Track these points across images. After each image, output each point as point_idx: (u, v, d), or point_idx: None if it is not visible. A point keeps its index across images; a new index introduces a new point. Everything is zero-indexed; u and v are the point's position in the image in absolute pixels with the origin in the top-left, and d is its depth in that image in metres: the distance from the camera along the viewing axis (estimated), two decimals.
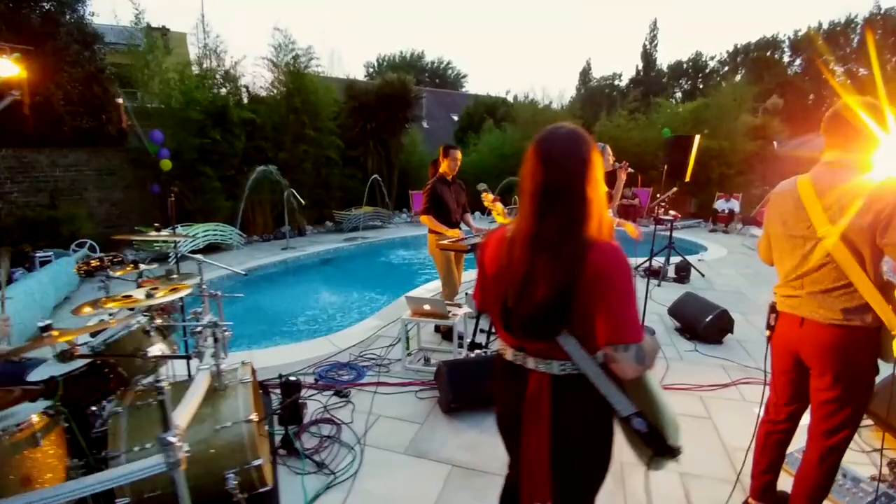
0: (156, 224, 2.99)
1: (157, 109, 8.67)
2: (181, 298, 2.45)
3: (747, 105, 11.25)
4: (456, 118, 19.50)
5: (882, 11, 24.67)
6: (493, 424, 2.76)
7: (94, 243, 7.43)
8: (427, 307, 3.50)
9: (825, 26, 27.42)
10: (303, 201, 8.81)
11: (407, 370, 3.56)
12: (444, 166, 4.03)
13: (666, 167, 5.72)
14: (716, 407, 3.06)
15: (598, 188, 1.18)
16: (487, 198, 3.29)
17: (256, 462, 1.96)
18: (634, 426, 1.18)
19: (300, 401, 2.81)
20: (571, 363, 1.20)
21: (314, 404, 3.04)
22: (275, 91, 10.04)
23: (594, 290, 1.12)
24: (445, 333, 4.15)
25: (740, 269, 7.14)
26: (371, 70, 31.24)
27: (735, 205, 10.42)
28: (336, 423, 2.83)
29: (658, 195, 5.73)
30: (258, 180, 9.00)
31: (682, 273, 6.29)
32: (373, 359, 3.78)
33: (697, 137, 5.84)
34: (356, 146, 11.71)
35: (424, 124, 13.55)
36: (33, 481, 1.66)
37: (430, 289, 5.82)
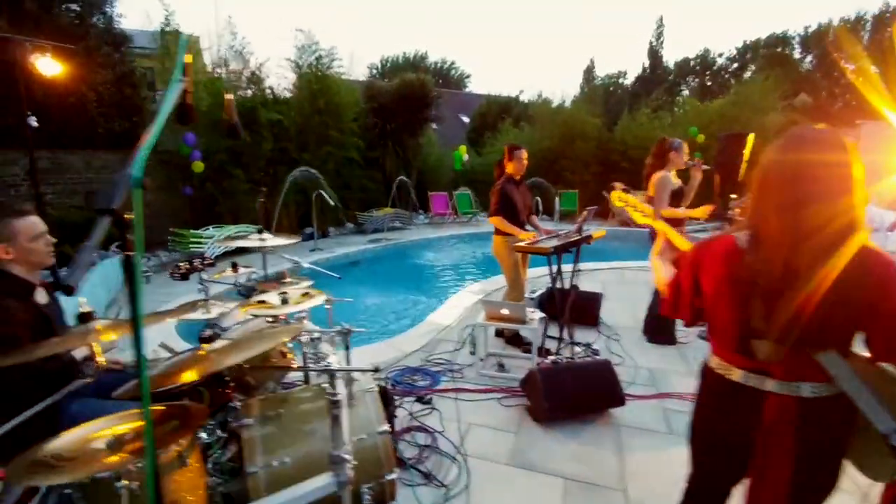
0: (259, 227, 2.90)
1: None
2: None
3: (776, 103, 11.14)
4: (465, 119, 19.42)
5: (891, 9, 24.58)
6: (595, 435, 2.74)
7: None
8: (505, 311, 3.42)
9: (835, 23, 27.30)
10: (332, 202, 8.72)
11: (481, 376, 3.48)
12: (510, 167, 3.95)
13: (717, 168, 5.63)
14: None
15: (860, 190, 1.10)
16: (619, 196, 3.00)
17: (391, 476, 1.88)
18: (893, 442, 1.09)
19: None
20: (827, 384, 1.12)
21: (399, 411, 2.96)
22: (298, 93, 9.96)
23: (872, 301, 1.04)
24: (510, 338, 4.06)
25: None
26: (374, 71, 31.15)
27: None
28: (430, 432, 2.75)
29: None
30: (294, 181, 8.97)
31: None
32: (442, 363, 3.69)
33: (751, 136, 5.74)
34: (375, 147, 11.67)
35: (434, 125, 13.46)
36: None
37: (476, 290, 5.74)
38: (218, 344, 1.49)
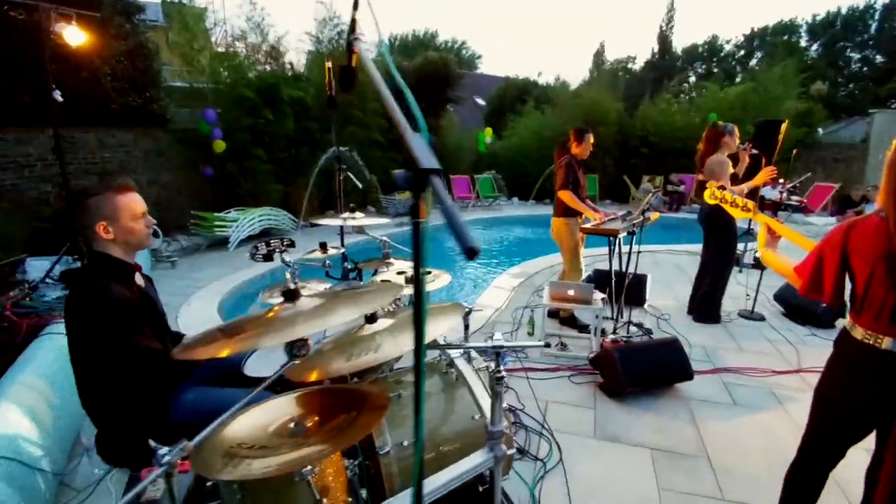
0: (351, 205, 2.90)
1: (192, 89, 8.41)
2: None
3: (793, 91, 11.14)
4: (480, 101, 19.24)
5: None
6: (667, 408, 2.84)
7: (156, 227, 7.32)
8: (571, 292, 3.49)
9: (843, 12, 27.12)
10: (360, 184, 8.66)
11: (545, 355, 3.56)
12: (577, 149, 3.94)
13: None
14: None
15: None
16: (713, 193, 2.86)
17: (511, 451, 1.94)
18: None
19: None
20: None
21: None
22: (320, 69, 9.81)
23: None
24: (565, 320, 4.13)
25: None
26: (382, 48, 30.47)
27: (776, 191, 10.39)
28: (513, 409, 2.83)
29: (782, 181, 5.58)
30: (330, 160, 8.86)
31: (758, 259, 6.29)
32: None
33: (786, 123, 5.78)
34: (392, 129, 11.56)
35: (450, 107, 13.37)
36: (329, 489, 1.61)
37: (517, 273, 5.81)
38: (380, 325, 1.49)
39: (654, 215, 3.97)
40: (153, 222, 1.76)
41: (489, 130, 12.16)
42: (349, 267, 2.41)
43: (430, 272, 2.03)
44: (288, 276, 1.92)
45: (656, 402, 2.94)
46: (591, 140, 3.99)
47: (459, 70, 12.45)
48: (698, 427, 2.70)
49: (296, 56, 10.10)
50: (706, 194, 2.22)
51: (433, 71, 11.44)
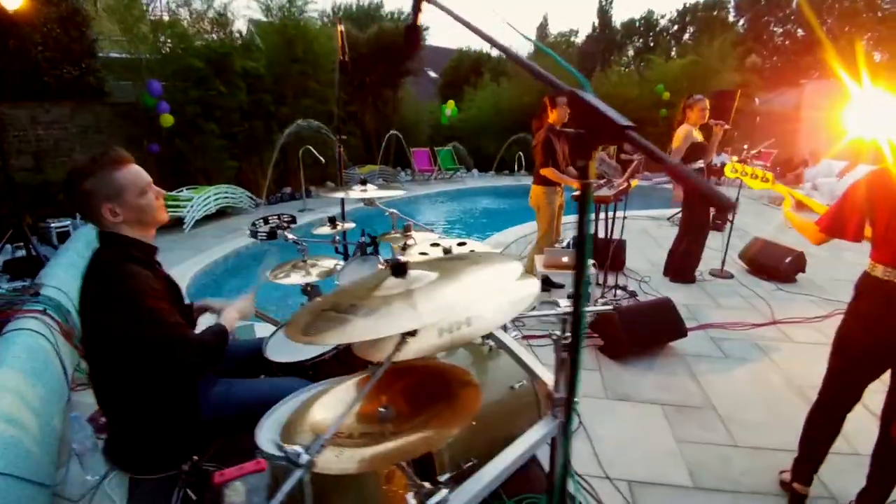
0: (361, 177, 2.71)
1: (134, 59, 7.60)
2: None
3: (731, 63, 11.74)
4: (432, 73, 18.82)
5: None
6: (666, 365, 2.99)
7: None
8: (565, 259, 3.54)
9: None
10: (323, 159, 8.28)
11: (542, 323, 3.61)
12: (554, 116, 3.94)
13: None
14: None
15: None
16: (734, 167, 2.83)
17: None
18: None
19: None
20: None
21: None
22: (272, 38, 9.16)
23: None
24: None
25: (754, 216, 7.67)
26: (326, 20, 29.05)
27: (726, 159, 11.05)
28: None
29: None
30: (294, 135, 8.38)
31: (718, 221, 6.67)
32: None
33: (738, 92, 6.10)
34: (352, 101, 11.10)
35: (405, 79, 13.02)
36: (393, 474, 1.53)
37: (493, 243, 5.83)
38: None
39: (634, 182, 4.09)
40: (163, 193, 1.55)
41: (451, 103, 11.96)
42: (366, 241, 2.28)
43: (464, 242, 1.96)
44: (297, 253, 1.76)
45: (655, 361, 3.08)
46: (566, 105, 3.99)
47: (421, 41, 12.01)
48: (699, 381, 2.85)
49: (244, 25, 9.30)
50: (727, 170, 2.28)
51: (389, 42, 11.01)
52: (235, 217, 8.02)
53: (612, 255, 4.31)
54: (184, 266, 5.31)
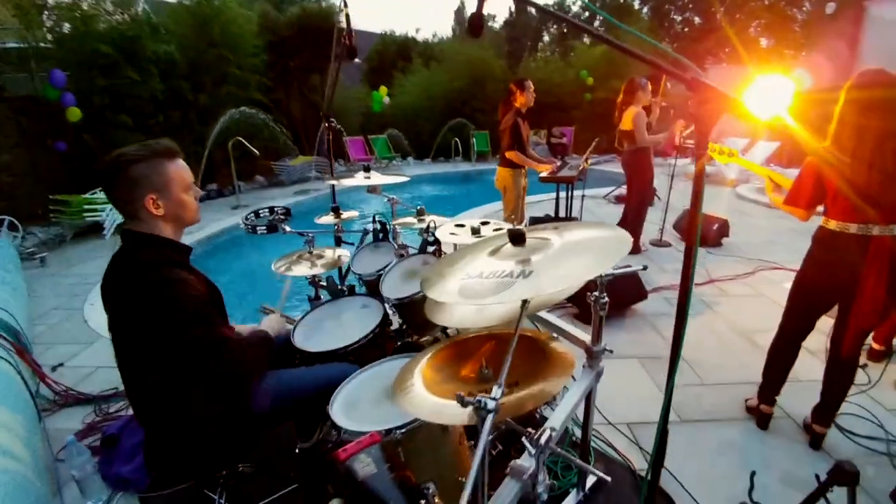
0: (366, 164, 2.63)
1: (31, 49, 6.66)
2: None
3: (647, 49, 12.69)
4: (356, 59, 18.32)
5: None
6: (634, 325, 3.40)
7: (13, 220, 5.83)
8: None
9: None
10: (256, 151, 7.82)
11: None
12: (521, 100, 4.12)
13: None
14: (762, 286, 3.99)
15: None
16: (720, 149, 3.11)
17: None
18: None
19: None
20: None
21: None
22: (185, 19, 8.40)
23: None
24: None
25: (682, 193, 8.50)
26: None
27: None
28: None
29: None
30: (228, 125, 7.78)
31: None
32: None
33: (664, 78, 6.70)
34: (276, 88, 10.54)
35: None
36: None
37: None
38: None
39: (585, 164, 4.43)
40: (201, 193, 1.50)
41: (384, 89, 11.76)
42: (377, 228, 2.29)
43: (487, 222, 2.06)
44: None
45: (624, 322, 3.42)
46: (533, 89, 4.19)
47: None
48: (662, 335, 3.23)
49: (153, 6, 8.41)
50: (714, 154, 2.55)
51: (313, 24, 10.54)
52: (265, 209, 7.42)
53: None
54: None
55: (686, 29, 27.63)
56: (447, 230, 2.01)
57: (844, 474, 1.53)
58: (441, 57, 13.00)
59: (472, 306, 1.40)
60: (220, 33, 8.46)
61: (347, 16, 2.13)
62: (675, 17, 29.46)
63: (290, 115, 10.80)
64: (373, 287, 2.19)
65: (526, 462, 0.95)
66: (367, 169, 2.45)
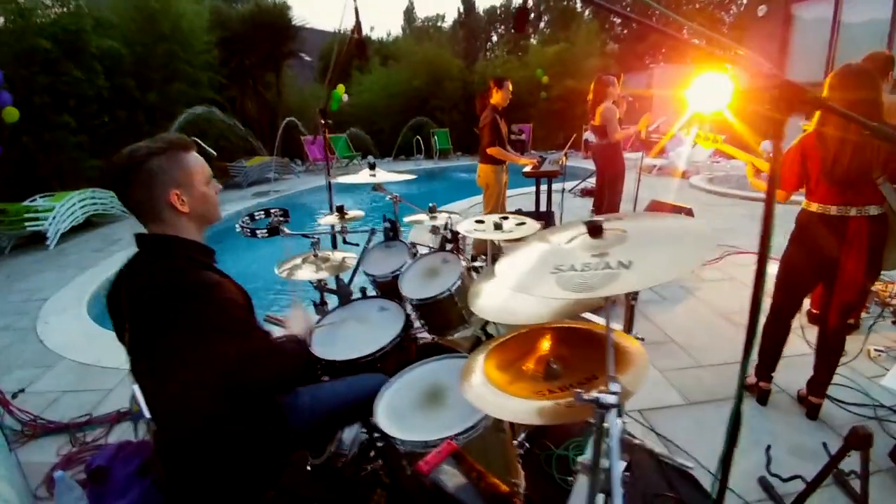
0: (370, 161, 2.50)
1: None
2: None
3: (596, 50, 13.22)
4: (305, 57, 17.77)
5: None
6: (616, 314, 3.39)
7: None
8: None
9: None
10: (214, 152, 7.40)
11: None
12: (498, 97, 4.13)
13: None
14: (731, 269, 4.23)
15: None
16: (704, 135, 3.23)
17: None
18: None
19: None
20: (879, 206, 1.94)
21: None
22: (131, 13, 7.82)
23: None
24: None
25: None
26: None
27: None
28: None
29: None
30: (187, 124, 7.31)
31: None
32: None
33: (621, 76, 6.95)
34: (229, 86, 10.06)
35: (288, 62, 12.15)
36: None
37: None
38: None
39: (563, 160, 4.53)
40: (220, 187, 1.37)
41: (342, 87, 11.45)
42: (387, 226, 2.21)
43: (507, 217, 2.04)
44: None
45: (613, 309, 3.51)
46: (510, 87, 4.22)
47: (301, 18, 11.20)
48: (653, 321, 3.34)
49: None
50: (700, 140, 2.64)
51: (268, 20, 10.15)
52: (110, 225, 6.87)
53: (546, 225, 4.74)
54: (73, 287, 4.47)
55: (625, 31, 29.03)
56: (468, 226, 1.97)
57: (860, 439, 1.63)
58: (399, 56, 12.88)
59: (530, 301, 1.38)
60: (170, 28, 7.95)
61: (356, 10, 2.03)
62: (614, 19, 30.92)
63: (244, 113, 10.34)
64: (386, 289, 2.11)
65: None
66: (372, 167, 2.35)
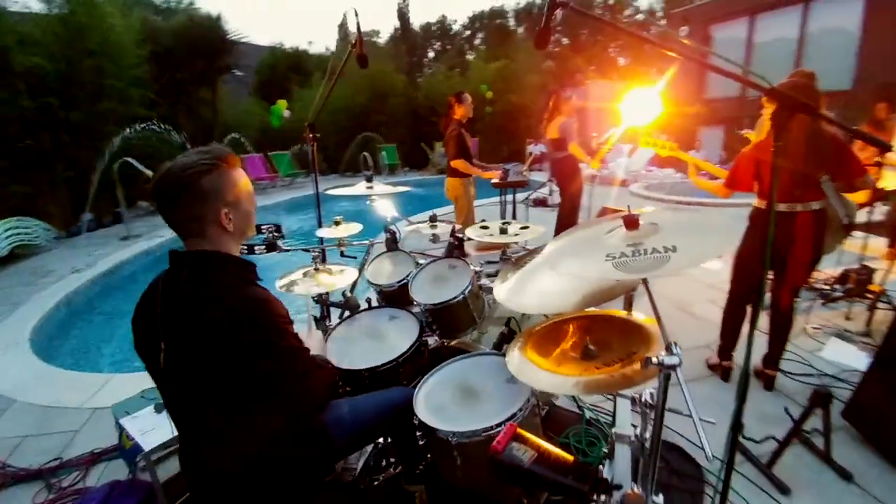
0: (368, 174, 2.48)
1: None
2: None
3: (538, 66, 13.94)
4: (237, 72, 17.20)
5: None
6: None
7: None
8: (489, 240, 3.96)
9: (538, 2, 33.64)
10: (149, 172, 6.95)
11: None
12: (460, 112, 4.29)
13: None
14: None
15: None
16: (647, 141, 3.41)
17: None
18: (845, 221, 2.30)
19: None
20: (821, 201, 2.26)
21: None
22: (56, 27, 7.23)
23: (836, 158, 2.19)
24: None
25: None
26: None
27: (542, 148, 13.07)
28: None
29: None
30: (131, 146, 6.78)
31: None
32: None
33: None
34: (162, 102, 9.53)
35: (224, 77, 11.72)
36: None
37: None
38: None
39: (528, 170, 4.79)
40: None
41: (283, 103, 11.20)
42: (388, 237, 2.26)
43: (528, 227, 2.16)
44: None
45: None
46: (470, 100, 4.39)
47: (236, 33, 10.86)
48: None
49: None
50: (641, 140, 2.91)
51: (201, 35, 9.77)
52: (36, 257, 6.25)
53: None
54: (8, 326, 4.06)
55: (556, 49, 30.86)
56: (475, 232, 2.09)
57: (822, 397, 1.92)
58: (343, 71, 12.79)
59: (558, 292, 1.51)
60: (99, 42, 7.44)
61: (358, 24, 2.10)
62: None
63: (178, 131, 9.80)
64: (392, 298, 2.16)
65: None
66: (369, 179, 2.40)
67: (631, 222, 1.18)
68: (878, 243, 3.77)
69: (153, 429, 1.93)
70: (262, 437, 1.23)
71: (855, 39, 7.92)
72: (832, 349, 2.93)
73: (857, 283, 3.52)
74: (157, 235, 7.06)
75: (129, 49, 8.07)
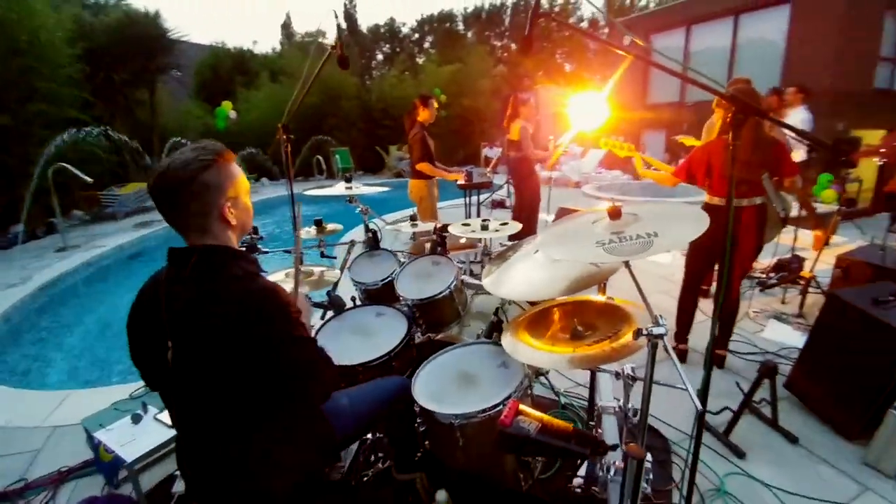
0: (347, 175, 2.45)
1: None
2: None
3: (490, 70, 14.26)
4: (176, 73, 16.35)
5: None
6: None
7: None
8: (462, 240, 4.05)
9: (486, 6, 34.06)
10: (88, 179, 6.48)
11: None
12: (425, 115, 4.36)
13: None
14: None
15: None
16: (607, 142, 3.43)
17: None
18: (782, 215, 2.59)
19: None
20: (763, 196, 2.53)
21: None
22: None
23: (775, 158, 2.46)
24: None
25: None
26: None
27: (497, 151, 13.35)
28: None
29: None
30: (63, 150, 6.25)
31: None
32: None
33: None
34: (96, 104, 8.93)
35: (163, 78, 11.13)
36: None
37: None
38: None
39: (491, 172, 4.93)
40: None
41: (228, 104, 10.72)
42: (369, 236, 2.28)
43: (507, 223, 2.25)
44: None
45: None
46: (436, 105, 4.48)
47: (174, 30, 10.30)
48: None
49: None
50: (601, 143, 3.09)
51: (138, 32, 9.24)
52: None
53: None
54: None
55: (505, 54, 31.61)
56: (459, 229, 2.17)
57: (770, 370, 2.15)
58: (288, 71, 12.50)
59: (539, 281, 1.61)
60: (27, 40, 6.88)
61: (339, 25, 2.13)
62: (494, 42, 33.37)
63: (112, 137, 9.22)
64: (375, 295, 2.20)
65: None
66: (348, 179, 2.42)
67: (614, 213, 1.30)
68: (807, 236, 4.23)
69: (133, 440, 1.86)
70: (273, 430, 1.24)
71: (780, 48, 8.72)
72: (772, 330, 3.26)
73: (790, 271, 3.92)
74: (95, 246, 6.61)
75: (60, 48, 7.52)
